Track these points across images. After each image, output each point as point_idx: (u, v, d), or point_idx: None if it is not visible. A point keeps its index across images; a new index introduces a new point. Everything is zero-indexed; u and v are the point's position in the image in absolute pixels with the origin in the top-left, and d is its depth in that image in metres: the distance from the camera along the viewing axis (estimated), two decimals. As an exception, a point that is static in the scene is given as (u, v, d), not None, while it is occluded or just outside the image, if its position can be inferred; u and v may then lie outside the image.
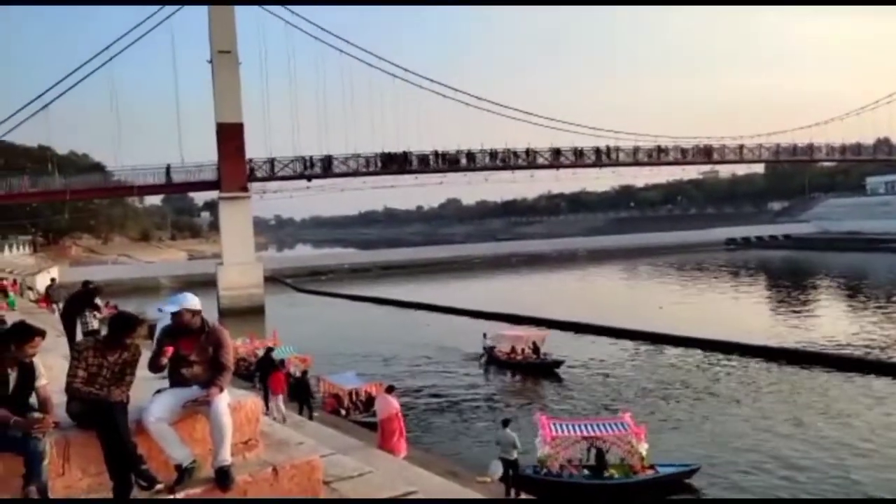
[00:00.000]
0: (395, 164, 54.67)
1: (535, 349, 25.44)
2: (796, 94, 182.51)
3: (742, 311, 40.21)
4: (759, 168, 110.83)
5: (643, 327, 30.40)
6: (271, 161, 51.73)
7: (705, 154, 64.81)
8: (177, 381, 4.29)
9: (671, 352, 27.22)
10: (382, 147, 54.46)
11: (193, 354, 4.29)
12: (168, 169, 50.64)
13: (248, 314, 42.56)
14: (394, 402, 12.70)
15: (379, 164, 54.39)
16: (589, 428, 13.43)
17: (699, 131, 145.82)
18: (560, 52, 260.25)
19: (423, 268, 73.32)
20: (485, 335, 27.27)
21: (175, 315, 4.27)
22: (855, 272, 57.61)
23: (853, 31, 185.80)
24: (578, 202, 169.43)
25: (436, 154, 56.14)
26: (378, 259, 79.22)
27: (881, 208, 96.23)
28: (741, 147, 65.95)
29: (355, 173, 54.57)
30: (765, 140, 66.80)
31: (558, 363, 24.68)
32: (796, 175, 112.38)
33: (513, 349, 25.82)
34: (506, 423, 13.82)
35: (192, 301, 4.35)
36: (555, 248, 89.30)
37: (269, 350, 19.02)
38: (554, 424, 13.45)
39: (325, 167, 53.13)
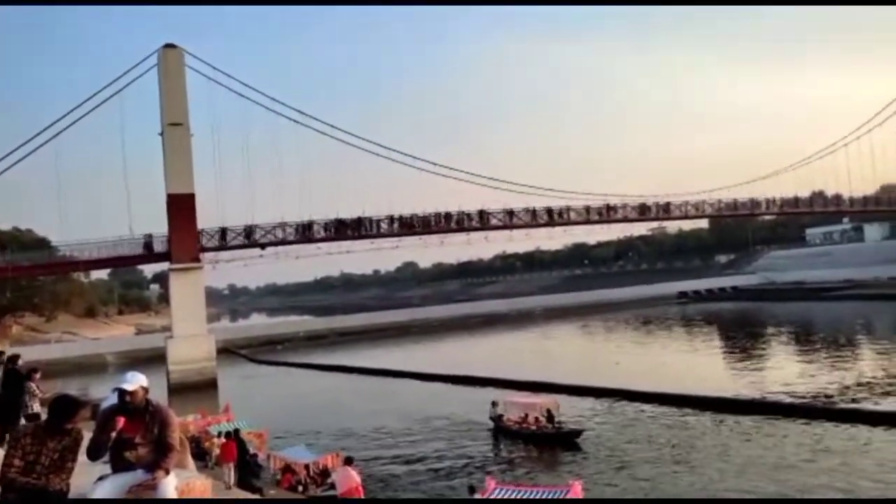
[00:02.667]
0: (350, 229, 54.69)
1: (550, 417, 23.26)
2: (737, 152, 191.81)
3: (699, 363, 40.80)
4: (704, 223, 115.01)
5: (623, 385, 29.86)
6: (223, 230, 51.11)
7: (653, 211, 66.88)
8: (120, 465, 4.09)
9: (660, 410, 26.09)
10: (337, 213, 54.60)
11: (137, 436, 4.11)
12: (150, 239, 49.15)
13: (200, 389, 41.04)
14: (354, 475, 12.30)
15: (333, 231, 54.33)
16: (531, 495, 12.70)
17: (646, 189, 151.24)
18: (512, 115, 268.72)
19: (381, 332, 72.62)
20: (494, 403, 25.29)
21: (130, 394, 4.10)
22: (801, 321, 59.41)
23: (789, 91, 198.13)
24: (533, 261, 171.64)
25: (391, 218, 56.45)
26: (335, 325, 77.99)
27: (822, 258, 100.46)
28: (686, 203, 68.35)
29: (310, 240, 54.29)
30: (707, 196, 69.55)
31: (578, 432, 22.44)
32: (739, 229, 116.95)
33: (525, 417, 23.73)
34: (472, 489, 13.49)
35: (140, 379, 4.21)
36: (511, 307, 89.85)
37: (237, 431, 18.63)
38: (499, 490, 12.84)
39: (279, 235, 52.80)
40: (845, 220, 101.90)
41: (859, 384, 29.09)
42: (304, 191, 56.95)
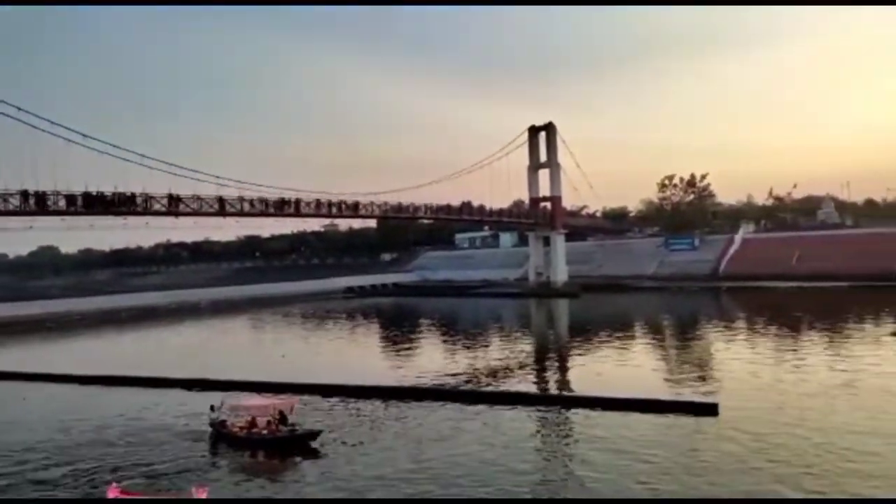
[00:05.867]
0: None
1: (283, 419, 21.32)
2: (404, 159, 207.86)
3: (360, 355, 43.34)
4: (373, 222, 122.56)
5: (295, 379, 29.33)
6: None
7: (325, 208, 68.72)
8: None
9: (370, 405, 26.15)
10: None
11: None
12: None
13: None
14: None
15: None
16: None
17: (322, 186, 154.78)
18: (190, 101, 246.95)
19: (2, 329, 60.99)
20: (212, 407, 22.40)
21: None
22: (448, 315, 67.27)
23: (454, 112, 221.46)
24: (201, 251, 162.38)
25: (24, 193, 47.66)
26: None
27: (466, 260, 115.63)
28: (357, 203, 71.92)
29: None
30: (376, 198, 74.27)
31: (314, 434, 20.78)
32: (402, 230, 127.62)
33: (253, 422, 21.31)
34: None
35: None
36: (173, 300, 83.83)
37: None
38: (121, 499, 11.72)
39: None
40: (486, 228, 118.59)
41: (489, 369, 34.13)
42: None
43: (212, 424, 22.14)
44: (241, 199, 60.51)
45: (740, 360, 33.18)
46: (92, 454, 20.69)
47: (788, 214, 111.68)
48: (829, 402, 23.75)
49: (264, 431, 21.01)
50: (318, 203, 67.53)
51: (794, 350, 35.23)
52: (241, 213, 61.52)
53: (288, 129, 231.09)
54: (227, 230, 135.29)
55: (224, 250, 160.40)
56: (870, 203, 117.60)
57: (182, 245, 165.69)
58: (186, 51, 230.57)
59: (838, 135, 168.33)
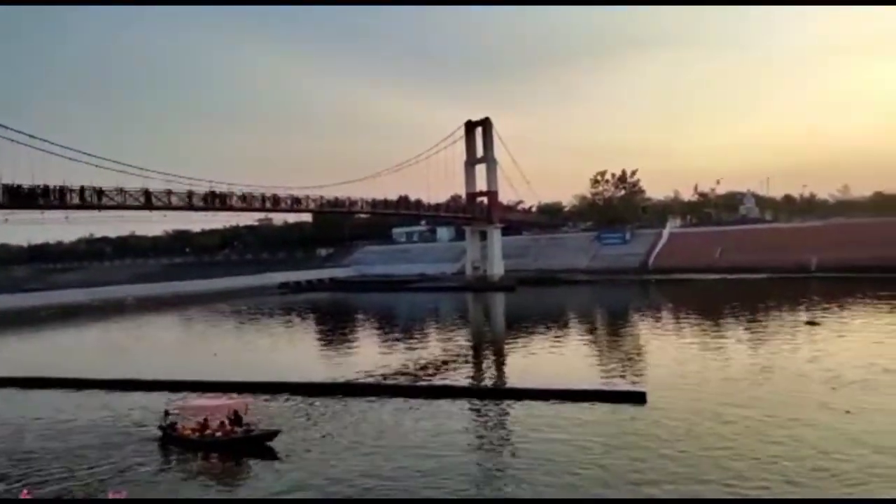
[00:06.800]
0: None
1: (237, 420, 20.53)
2: (340, 154, 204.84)
3: (296, 351, 42.59)
4: (308, 217, 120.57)
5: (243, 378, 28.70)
6: None
7: (258, 202, 67.11)
8: None
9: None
10: None
11: None
12: None
13: None
14: None
15: None
16: None
17: (258, 181, 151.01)
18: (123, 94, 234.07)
19: None
20: (166, 412, 21.43)
21: None
22: (385, 309, 66.96)
23: (387, 106, 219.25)
24: (127, 247, 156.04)
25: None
26: None
27: (403, 255, 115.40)
28: (292, 197, 70.54)
29: None
30: (312, 192, 73.07)
31: (271, 434, 20.10)
32: (339, 225, 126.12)
33: (205, 424, 20.48)
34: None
35: None
36: (96, 297, 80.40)
37: None
38: (35, 499, 11.25)
39: None
40: (423, 222, 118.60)
41: (427, 363, 34.12)
42: None
43: (161, 427, 21.18)
44: (169, 193, 58.37)
45: (667, 348, 34.46)
46: (18, 466, 19.61)
47: (712, 209, 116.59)
48: (750, 386, 25.00)
49: (218, 433, 20.27)
50: (250, 197, 65.88)
51: (718, 338, 36.89)
52: (169, 207, 59.33)
53: (223, 124, 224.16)
54: (155, 224, 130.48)
55: (152, 245, 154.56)
56: (788, 199, 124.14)
57: (106, 240, 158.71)
58: (129, 47, 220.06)
59: (759, 133, 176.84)
